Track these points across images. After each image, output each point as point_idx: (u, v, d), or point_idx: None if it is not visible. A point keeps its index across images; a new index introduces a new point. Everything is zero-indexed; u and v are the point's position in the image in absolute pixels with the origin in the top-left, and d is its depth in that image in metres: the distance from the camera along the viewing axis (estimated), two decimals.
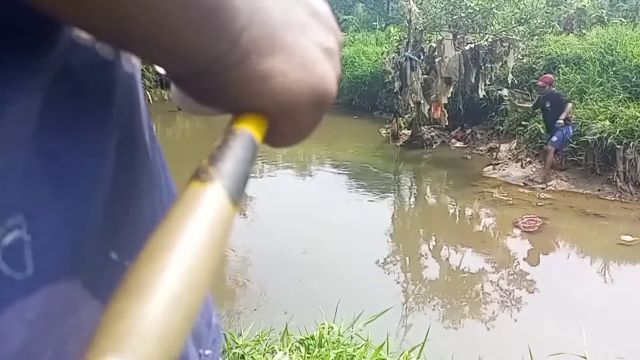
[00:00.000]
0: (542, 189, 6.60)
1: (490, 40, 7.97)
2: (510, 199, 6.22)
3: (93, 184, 0.23)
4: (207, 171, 0.20)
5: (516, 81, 8.63)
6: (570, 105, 6.56)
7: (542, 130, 7.50)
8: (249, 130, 0.23)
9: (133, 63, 0.29)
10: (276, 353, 2.17)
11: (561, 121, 6.39)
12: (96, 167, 0.23)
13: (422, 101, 8.13)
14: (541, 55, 8.89)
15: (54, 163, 0.21)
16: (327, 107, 0.27)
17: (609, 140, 6.51)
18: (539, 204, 6.06)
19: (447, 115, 8.10)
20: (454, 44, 8.12)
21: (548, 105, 6.69)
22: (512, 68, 8.22)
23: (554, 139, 6.53)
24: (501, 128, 8.47)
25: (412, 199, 6.60)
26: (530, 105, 7.43)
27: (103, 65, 0.25)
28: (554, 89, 6.84)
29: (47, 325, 0.20)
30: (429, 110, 8.22)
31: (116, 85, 0.26)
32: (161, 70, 0.25)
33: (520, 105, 7.89)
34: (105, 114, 0.24)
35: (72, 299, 0.21)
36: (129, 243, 0.26)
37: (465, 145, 8.65)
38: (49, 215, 0.20)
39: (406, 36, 8.48)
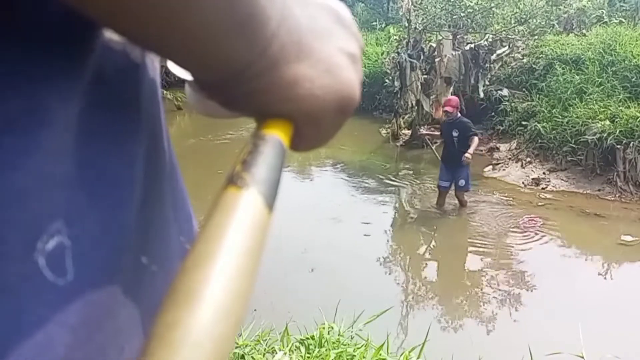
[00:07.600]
0: (543, 189, 6.60)
1: (490, 40, 7.96)
2: (511, 199, 6.22)
3: (128, 191, 0.23)
4: (242, 177, 0.20)
5: (516, 81, 8.64)
6: (476, 139, 5.62)
7: (542, 130, 7.50)
8: (278, 136, 0.23)
9: (155, 66, 0.29)
10: (276, 353, 2.17)
11: (469, 156, 5.44)
12: (130, 174, 0.23)
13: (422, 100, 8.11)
14: (541, 55, 8.89)
15: (89, 170, 0.21)
16: (350, 112, 0.27)
17: (609, 140, 6.51)
18: (539, 204, 6.06)
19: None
20: (454, 44, 8.11)
21: (456, 134, 5.73)
22: (506, 61, 8.06)
23: (462, 183, 5.71)
24: (501, 128, 8.47)
25: (412, 199, 6.59)
26: (438, 133, 6.36)
27: (132, 69, 0.25)
28: (459, 114, 5.93)
29: (88, 331, 0.20)
30: (431, 105, 8.08)
31: (143, 90, 0.26)
32: (188, 77, 0.25)
33: (430, 133, 6.85)
34: (135, 119, 0.24)
35: (110, 305, 0.21)
36: (155, 247, 0.26)
37: None
38: (87, 222, 0.20)
39: (406, 36, 8.48)
